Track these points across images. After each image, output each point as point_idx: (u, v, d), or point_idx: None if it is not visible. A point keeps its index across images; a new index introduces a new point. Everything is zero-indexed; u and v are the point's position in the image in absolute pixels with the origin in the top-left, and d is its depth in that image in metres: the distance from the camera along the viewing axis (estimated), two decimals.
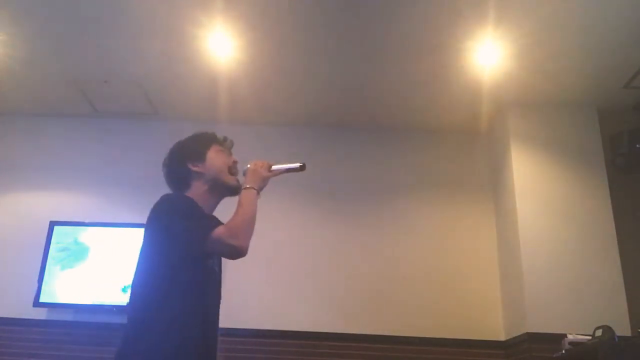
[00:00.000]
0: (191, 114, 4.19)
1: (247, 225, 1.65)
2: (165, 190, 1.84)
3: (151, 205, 1.71)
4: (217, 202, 1.85)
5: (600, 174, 3.64)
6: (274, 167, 1.84)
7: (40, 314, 3.73)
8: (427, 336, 3.66)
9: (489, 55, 3.38)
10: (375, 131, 4.25)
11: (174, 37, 3.35)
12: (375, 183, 4.14)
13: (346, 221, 4.04)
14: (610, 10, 3.01)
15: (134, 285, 1.66)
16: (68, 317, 3.76)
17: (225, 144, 1.91)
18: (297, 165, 1.87)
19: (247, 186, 1.75)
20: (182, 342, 1.57)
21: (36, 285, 3.68)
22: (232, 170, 1.85)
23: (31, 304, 3.66)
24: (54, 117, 4.33)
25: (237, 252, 1.61)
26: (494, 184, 4.07)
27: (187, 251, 1.63)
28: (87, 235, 3.84)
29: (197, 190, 1.79)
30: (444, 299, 3.78)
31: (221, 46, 3.43)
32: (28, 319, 3.71)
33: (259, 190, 1.76)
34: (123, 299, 3.65)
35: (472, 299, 3.78)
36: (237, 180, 1.84)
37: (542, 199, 3.61)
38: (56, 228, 3.84)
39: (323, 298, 3.82)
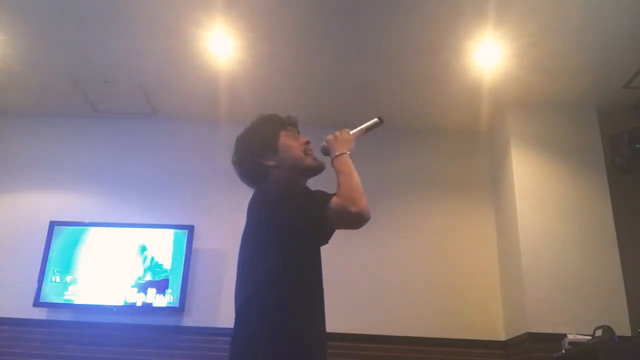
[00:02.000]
0: (191, 114, 4.19)
1: (357, 189, 1.59)
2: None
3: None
4: (304, 183, 1.75)
5: (600, 174, 3.64)
6: (352, 132, 1.81)
7: (40, 314, 3.73)
8: (427, 336, 3.66)
9: (488, 55, 3.38)
10: (375, 131, 4.22)
11: (174, 37, 3.35)
12: (375, 183, 4.12)
13: None
14: (609, 11, 3.01)
15: (255, 281, 1.51)
16: (68, 317, 3.76)
17: (291, 125, 1.79)
18: (375, 120, 1.87)
19: (338, 153, 1.69)
20: (311, 332, 1.50)
21: (36, 285, 3.68)
22: (307, 151, 1.75)
23: (31, 304, 3.66)
24: (54, 117, 4.33)
25: (362, 217, 1.52)
26: (494, 184, 4.07)
27: (316, 229, 1.56)
28: (88, 235, 3.84)
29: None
30: (444, 299, 3.78)
31: (221, 46, 3.43)
32: (28, 319, 3.71)
33: (350, 152, 1.70)
34: (123, 299, 3.66)
35: (472, 299, 3.78)
36: (316, 159, 1.75)
37: (542, 199, 3.61)
38: (56, 228, 3.84)
39: None
